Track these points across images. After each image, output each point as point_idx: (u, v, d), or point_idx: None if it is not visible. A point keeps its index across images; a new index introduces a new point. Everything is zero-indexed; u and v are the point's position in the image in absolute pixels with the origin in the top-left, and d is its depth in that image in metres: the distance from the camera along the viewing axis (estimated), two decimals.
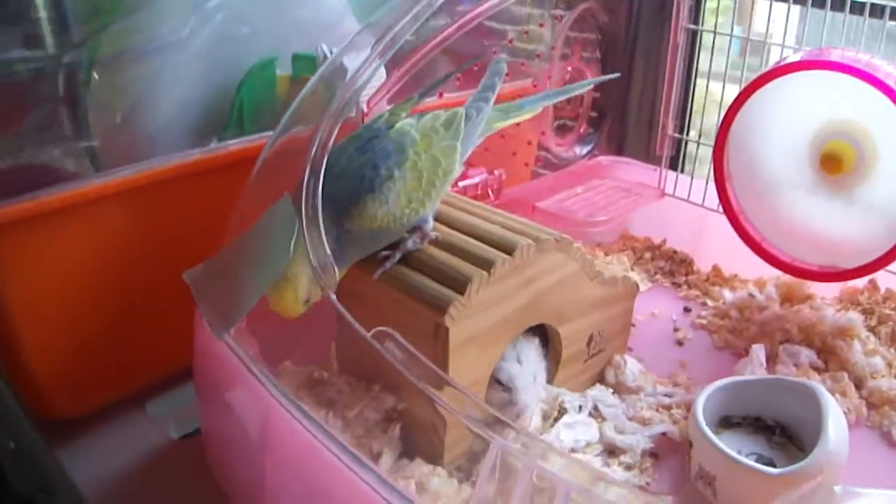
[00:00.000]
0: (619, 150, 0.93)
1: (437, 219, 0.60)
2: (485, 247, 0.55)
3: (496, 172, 0.73)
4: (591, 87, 0.81)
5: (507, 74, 0.64)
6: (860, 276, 0.69)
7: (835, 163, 0.70)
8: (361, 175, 0.53)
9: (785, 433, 0.62)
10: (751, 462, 0.55)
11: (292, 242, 0.48)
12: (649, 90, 0.82)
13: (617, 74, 0.73)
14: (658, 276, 0.84)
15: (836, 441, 0.56)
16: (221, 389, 0.55)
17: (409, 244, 0.56)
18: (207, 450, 0.61)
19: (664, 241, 0.88)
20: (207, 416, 0.60)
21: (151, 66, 0.65)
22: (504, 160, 0.74)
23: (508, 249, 0.54)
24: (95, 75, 0.68)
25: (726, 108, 0.72)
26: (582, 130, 0.86)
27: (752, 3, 0.80)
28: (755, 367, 0.67)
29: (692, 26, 0.79)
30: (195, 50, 0.67)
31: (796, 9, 0.78)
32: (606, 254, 0.86)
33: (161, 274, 0.61)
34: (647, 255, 0.86)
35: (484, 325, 0.54)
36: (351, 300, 0.48)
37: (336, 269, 0.48)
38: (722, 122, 0.71)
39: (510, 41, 0.75)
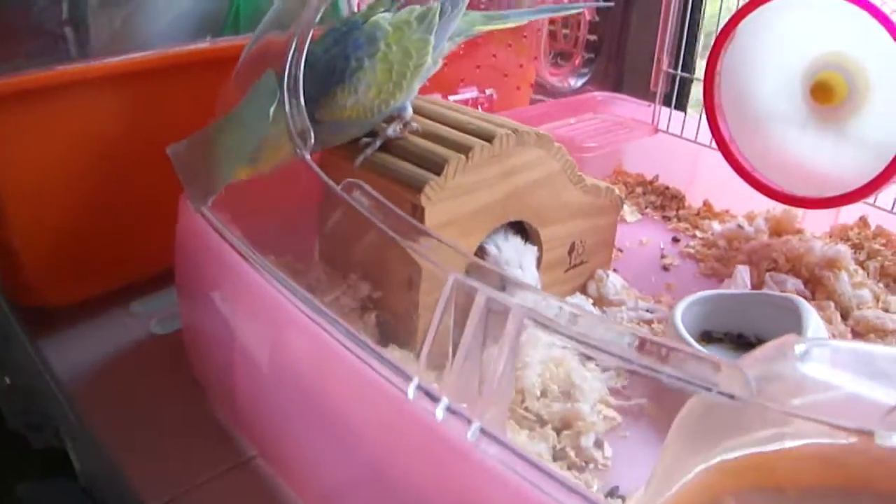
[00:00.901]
0: (616, 87, 0.93)
1: (419, 112, 0.60)
2: (464, 135, 0.56)
3: (487, 92, 0.73)
4: (587, 16, 0.82)
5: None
6: (848, 202, 0.69)
7: (826, 92, 0.69)
8: (332, 66, 0.53)
9: None
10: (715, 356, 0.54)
11: (272, 108, 0.49)
12: (650, 27, 0.82)
13: (610, 3, 0.73)
14: (649, 210, 0.84)
15: None
16: (199, 272, 0.56)
17: (390, 131, 0.56)
18: (186, 342, 0.61)
19: (657, 177, 0.87)
20: (186, 307, 0.60)
21: None
22: (496, 81, 0.74)
23: (487, 138, 0.55)
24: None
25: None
26: (577, 62, 0.86)
27: None
28: (738, 287, 0.67)
29: None
30: None
31: None
32: None
33: (153, 166, 0.61)
34: (639, 189, 0.86)
35: (461, 210, 0.54)
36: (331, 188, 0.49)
37: (312, 132, 0.49)
38: (712, 48, 0.71)
39: None
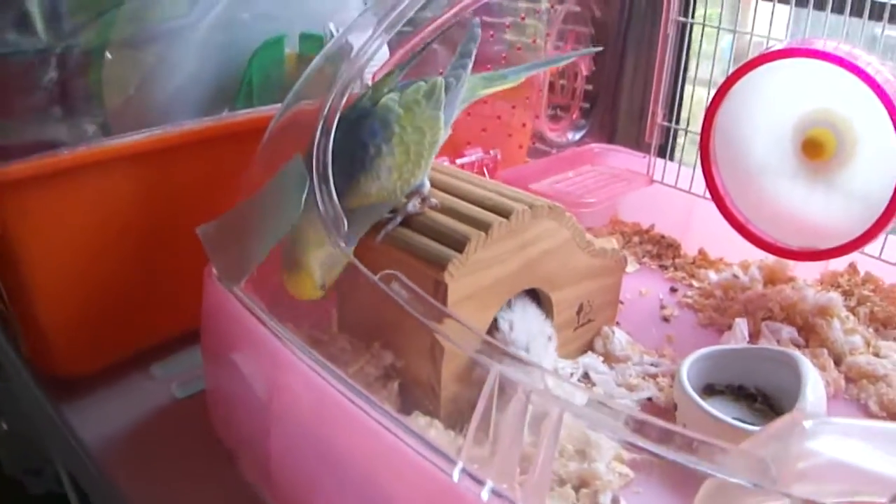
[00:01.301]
0: (610, 139, 0.96)
1: (436, 187, 0.63)
2: (483, 211, 0.58)
3: (492, 152, 0.76)
4: (584, 69, 0.85)
5: (504, 59, 0.66)
6: (839, 255, 0.72)
7: (816, 148, 0.73)
8: (352, 156, 0.55)
9: (766, 401, 0.65)
10: (730, 419, 0.57)
11: (303, 197, 0.51)
12: (640, 81, 0.85)
13: (599, 48, 0.76)
14: (646, 259, 0.87)
15: (814, 403, 0.59)
16: (228, 344, 0.58)
17: (410, 207, 0.59)
18: (211, 408, 0.63)
19: (652, 226, 0.91)
20: (212, 374, 0.62)
21: (163, 45, 0.68)
22: (500, 141, 0.77)
23: (505, 213, 0.57)
24: (109, 55, 0.70)
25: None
26: (574, 117, 0.89)
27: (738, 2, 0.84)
28: (738, 340, 0.70)
29: (682, 18, 0.83)
30: (206, 29, 0.70)
31: (785, 8, 0.81)
32: (596, 237, 0.88)
33: (172, 238, 0.63)
34: (636, 238, 0.89)
35: (481, 284, 0.57)
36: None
37: (346, 221, 0.51)
38: (707, 108, 0.75)
39: (507, 26, 0.78)
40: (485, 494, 0.39)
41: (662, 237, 0.89)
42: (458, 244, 0.55)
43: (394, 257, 0.58)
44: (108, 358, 0.67)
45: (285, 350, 0.51)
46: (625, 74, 0.92)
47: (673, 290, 0.82)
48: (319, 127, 0.53)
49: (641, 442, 0.37)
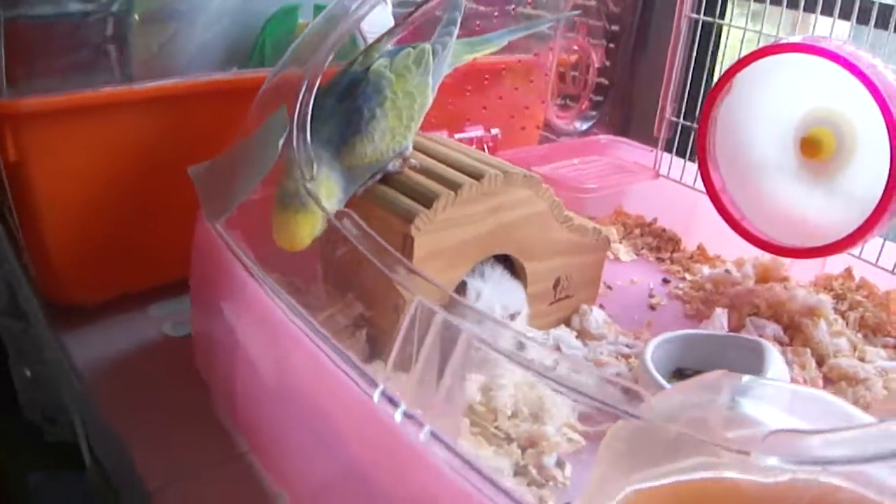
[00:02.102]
0: (622, 132, 0.97)
1: (421, 150, 0.65)
2: (457, 172, 0.61)
3: (492, 131, 0.78)
4: (596, 61, 0.87)
5: (508, 44, 0.69)
6: (830, 252, 0.73)
7: (814, 147, 0.73)
8: (348, 119, 0.58)
9: None
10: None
11: (281, 141, 0.54)
12: (658, 76, 0.86)
13: (577, 12, 0.77)
14: (644, 251, 0.88)
15: None
16: (209, 284, 0.61)
17: (390, 167, 0.62)
18: (195, 345, 0.67)
19: (655, 220, 0.92)
20: (196, 313, 0.66)
21: (184, 10, 0.72)
22: (501, 122, 0.79)
23: (478, 176, 0.60)
24: (136, 17, 0.75)
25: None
26: (584, 107, 0.91)
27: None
28: (716, 328, 0.71)
29: (695, 15, 0.84)
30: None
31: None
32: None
33: (177, 183, 0.67)
34: (637, 230, 0.90)
35: (449, 242, 0.59)
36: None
37: (317, 165, 0.54)
38: (705, 100, 0.76)
39: (514, 9, 0.80)
40: (398, 416, 0.41)
41: (664, 231, 0.90)
42: (428, 201, 0.58)
43: (371, 212, 0.61)
44: (109, 291, 0.71)
45: (255, 291, 0.54)
46: (640, 69, 0.93)
47: (665, 281, 0.83)
48: (305, 82, 0.57)
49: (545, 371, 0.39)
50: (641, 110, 0.96)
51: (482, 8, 0.81)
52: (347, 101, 0.59)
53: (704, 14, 0.84)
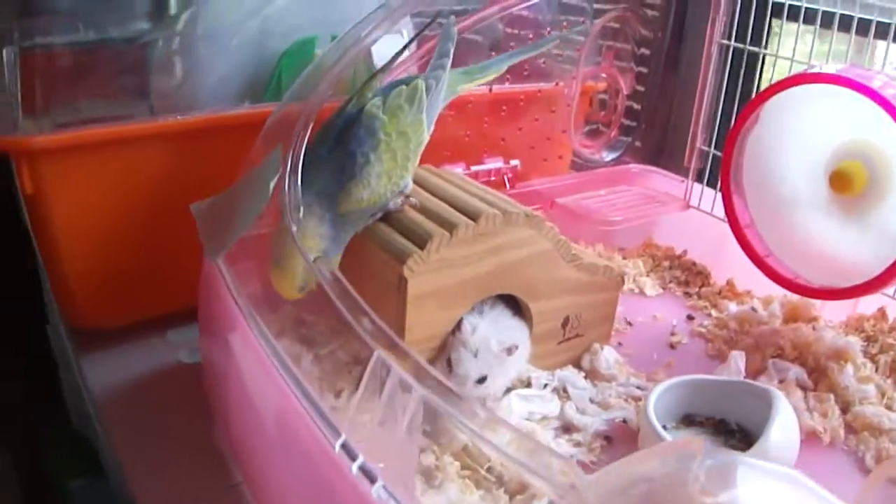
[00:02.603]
0: (654, 161, 0.95)
1: (425, 186, 0.65)
2: (454, 212, 0.60)
3: (512, 163, 0.77)
4: (625, 88, 0.85)
5: (528, 74, 0.68)
6: (861, 293, 0.69)
7: (843, 182, 0.70)
8: (342, 165, 0.57)
9: (745, 438, 0.62)
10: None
11: (272, 183, 0.55)
12: (691, 104, 0.84)
13: (580, 27, 0.76)
14: (672, 285, 0.85)
15: (780, 444, 0.57)
16: (210, 316, 0.63)
17: (391, 205, 0.62)
18: (203, 373, 0.68)
19: (685, 252, 0.89)
20: (202, 343, 0.67)
21: (207, 43, 0.74)
22: (522, 152, 0.78)
23: (474, 216, 0.59)
24: (160, 43, 0.78)
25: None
26: (613, 135, 0.89)
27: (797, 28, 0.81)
28: (731, 374, 0.68)
29: (725, 41, 0.81)
30: (247, 31, 0.76)
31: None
32: (624, 258, 0.88)
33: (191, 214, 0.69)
34: (666, 263, 0.88)
35: (445, 282, 0.59)
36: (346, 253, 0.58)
37: (306, 216, 0.54)
38: (732, 129, 0.73)
39: (531, 38, 0.79)
40: (354, 468, 0.41)
41: (694, 264, 0.88)
42: (423, 241, 0.57)
43: (369, 249, 0.61)
44: (127, 316, 0.73)
45: (244, 329, 0.55)
46: (673, 96, 0.91)
47: (690, 317, 0.80)
48: (300, 121, 0.57)
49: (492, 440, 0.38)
50: (674, 139, 0.93)
51: (517, 31, 0.80)
52: (341, 147, 0.58)
53: (743, 41, 0.81)
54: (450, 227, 0.58)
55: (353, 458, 0.41)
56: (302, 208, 0.54)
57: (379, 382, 0.42)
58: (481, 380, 0.59)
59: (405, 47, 0.61)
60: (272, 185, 0.55)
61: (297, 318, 0.66)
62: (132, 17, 0.89)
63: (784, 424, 0.58)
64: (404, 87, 0.60)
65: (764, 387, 0.62)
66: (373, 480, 0.40)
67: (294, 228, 0.53)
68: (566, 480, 0.34)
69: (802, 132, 0.74)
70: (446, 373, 0.59)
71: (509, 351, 0.60)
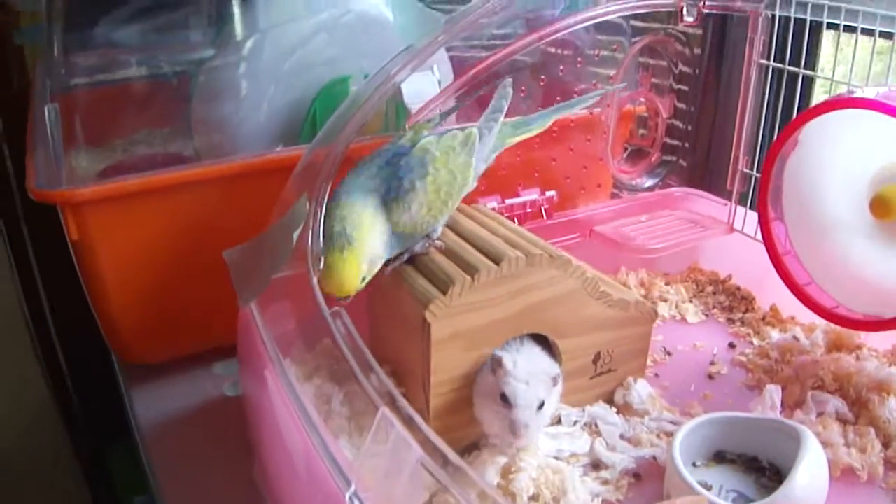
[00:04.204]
0: (697, 183, 0.93)
1: (451, 227, 0.66)
2: (477, 255, 0.61)
3: (547, 193, 0.77)
4: (664, 112, 0.84)
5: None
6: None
7: (884, 207, 0.68)
8: (388, 186, 0.60)
9: (777, 476, 0.61)
10: (706, 493, 0.56)
11: (296, 234, 0.57)
12: (732, 125, 0.83)
13: (622, 85, 0.76)
14: (715, 311, 0.84)
15: (807, 487, 0.56)
16: (246, 356, 0.65)
17: (417, 247, 0.63)
18: (244, 411, 0.71)
19: (729, 277, 0.88)
20: (242, 380, 0.70)
21: (244, 82, 0.77)
22: (557, 183, 0.78)
23: (497, 259, 0.60)
24: (202, 78, 0.81)
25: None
26: (654, 160, 0.88)
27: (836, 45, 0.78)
28: (766, 408, 0.67)
29: (764, 62, 0.79)
30: (280, 72, 0.78)
31: None
32: (667, 283, 0.87)
33: None
34: (710, 288, 0.87)
35: (468, 325, 0.59)
36: (374, 291, 0.62)
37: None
38: (769, 153, 0.72)
39: (579, 62, 0.79)
40: None
41: (738, 289, 0.86)
42: (445, 286, 0.58)
43: (398, 292, 0.62)
44: (173, 351, 0.77)
45: (272, 369, 0.57)
46: (715, 117, 0.89)
47: (731, 345, 0.79)
48: (323, 171, 0.59)
49: None
50: (718, 161, 0.92)
51: (558, 51, 0.81)
52: (390, 168, 0.61)
53: (780, 61, 0.79)
54: (472, 271, 0.59)
55: None
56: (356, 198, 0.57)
57: (385, 436, 0.44)
58: (541, 406, 0.60)
59: (458, 106, 0.64)
60: (296, 235, 0.56)
61: (332, 355, 0.68)
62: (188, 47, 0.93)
63: (811, 465, 0.57)
64: (459, 132, 0.63)
65: (793, 424, 0.61)
66: None
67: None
68: None
69: (843, 155, 0.72)
70: (503, 412, 0.59)
71: (555, 381, 0.61)
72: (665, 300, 0.84)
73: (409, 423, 0.43)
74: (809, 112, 0.69)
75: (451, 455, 0.41)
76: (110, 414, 1.10)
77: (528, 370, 0.60)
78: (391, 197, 0.59)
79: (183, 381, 0.77)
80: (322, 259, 0.56)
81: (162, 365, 0.78)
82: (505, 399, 0.59)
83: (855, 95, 0.68)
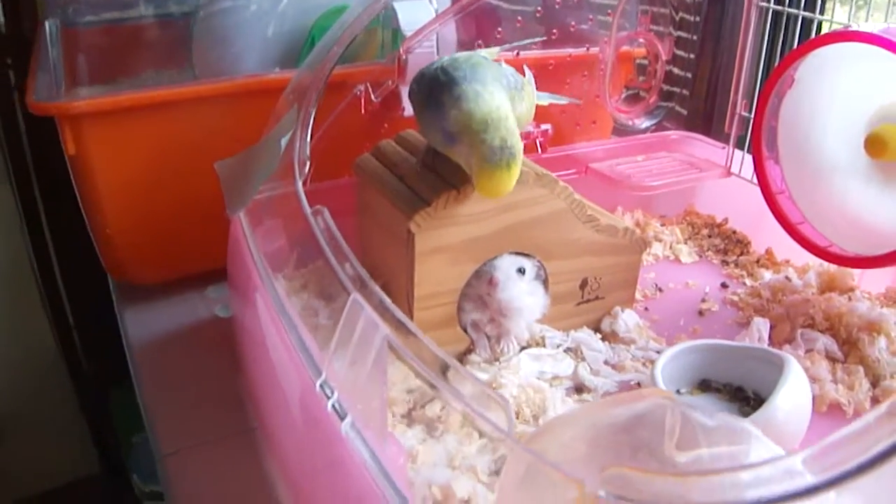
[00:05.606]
0: (696, 127, 0.93)
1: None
2: (464, 170, 0.61)
3: (542, 127, 0.77)
4: (664, 54, 0.84)
5: (557, 40, 0.67)
6: (892, 263, 0.67)
7: (879, 146, 0.67)
8: (507, 79, 0.59)
9: (760, 406, 0.61)
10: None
11: (285, 141, 0.57)
12: (731, 69, 0.82)
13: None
14: (709, 253, 0.84)
15: (788, 412, 0.56)
16: (235, 273, 0.66)
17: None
18: (232, 327, 0.72)
19: (725, 220, 0.87)
20: (231, 294, 0.70)
21: (244, 16, 0.77)
22: (554, 117, 0.78)
23: None
24: (201, 13, 0.81)
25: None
26: (652, 101, 0.87)
27: None
28: (753, 339, 0.67)
29: (764, 4, 0.78)
30: (280, 5, 0.78)
31: None
32: (664, 225, 0.87)
33: None
34: (705, 231, 0.86)
35: (453, 238, 0.60)
36: (365, 210, 0.64)
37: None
38: (762, 91, 0.71)
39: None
40: (329, 406, 0.43)
41: (734, 232, 0.86)
42: (431, 198, 0.59)
43: (383, 204, 0.63)
44: (168, 272, 0.77)
45: (258, 284, 0.57)
46: (715, 61, 0.88)
47: (724, 285, 0.79)
48: (311, 87, 0.59)
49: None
50: (717, 105, 0.91)
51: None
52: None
53: (787, 3, 0.79)
54: (459, 184, 0.59)
55: (329, 396, 0.43)
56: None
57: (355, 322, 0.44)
58: (521, 270, 0.62)
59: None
60: (284, 142, 0.57)
61: (321, 273, 0.68)
62: None
63: (793, 391, 0.57)
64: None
65: (778, 353, 0.61)
66: (342, 417, 0.42)
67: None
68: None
69: (840, 95, 0.71)
70: (489, 290, 0.61)
71: (521, 271, 0.63)
72: (660, 240, 0.84)
73: (380, 308, 0.43)
74: (806, 45, 0.69)
75: (417, 331, 0.41)
76: (113, 360, 1.12)
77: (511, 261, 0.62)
78: (513, 86, 0.59)
79: (176, 303, 0.78)
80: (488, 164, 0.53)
81: (156, 286, 0.78)
82: (491, 282, 0.61)
83: (853, 29, 0.67)
